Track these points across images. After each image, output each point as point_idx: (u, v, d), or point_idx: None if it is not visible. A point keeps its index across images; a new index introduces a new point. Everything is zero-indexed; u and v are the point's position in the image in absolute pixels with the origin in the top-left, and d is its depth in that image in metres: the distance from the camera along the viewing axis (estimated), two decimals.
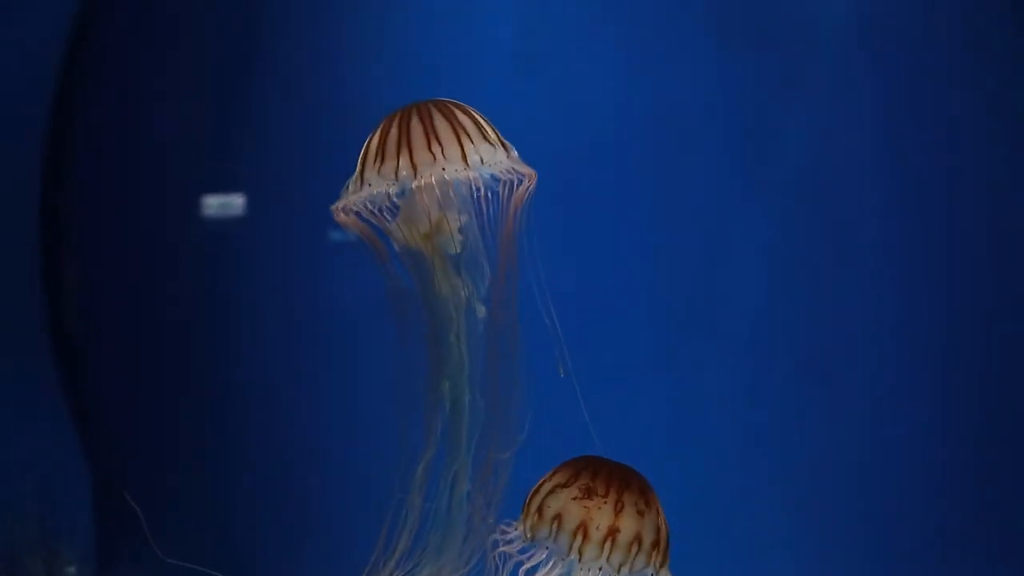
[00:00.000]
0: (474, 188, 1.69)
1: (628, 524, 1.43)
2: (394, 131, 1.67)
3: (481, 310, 1.75)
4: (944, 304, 2.58)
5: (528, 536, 1.47)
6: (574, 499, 1.45)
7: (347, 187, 1.71)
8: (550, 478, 1.50)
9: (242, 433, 2.74)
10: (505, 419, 1.73)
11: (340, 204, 1.70)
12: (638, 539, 1.43)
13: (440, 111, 1.68)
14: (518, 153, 1.72)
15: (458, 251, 1.73)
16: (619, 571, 1.44)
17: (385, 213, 1.70)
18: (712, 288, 2.62)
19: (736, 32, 2.58)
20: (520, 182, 1.73)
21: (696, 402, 2.61)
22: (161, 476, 2.75)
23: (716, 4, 2.59)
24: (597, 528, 1.43)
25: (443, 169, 1.63)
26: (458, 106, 1.71)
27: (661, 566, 1.48)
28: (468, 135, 1.67)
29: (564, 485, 1.47)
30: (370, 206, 1.70)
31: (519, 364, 1.72)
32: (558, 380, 1.74)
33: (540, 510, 1.47)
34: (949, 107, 2.56)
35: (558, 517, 1.46)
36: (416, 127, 1.66)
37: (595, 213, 2.62)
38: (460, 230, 1.72)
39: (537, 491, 1.50)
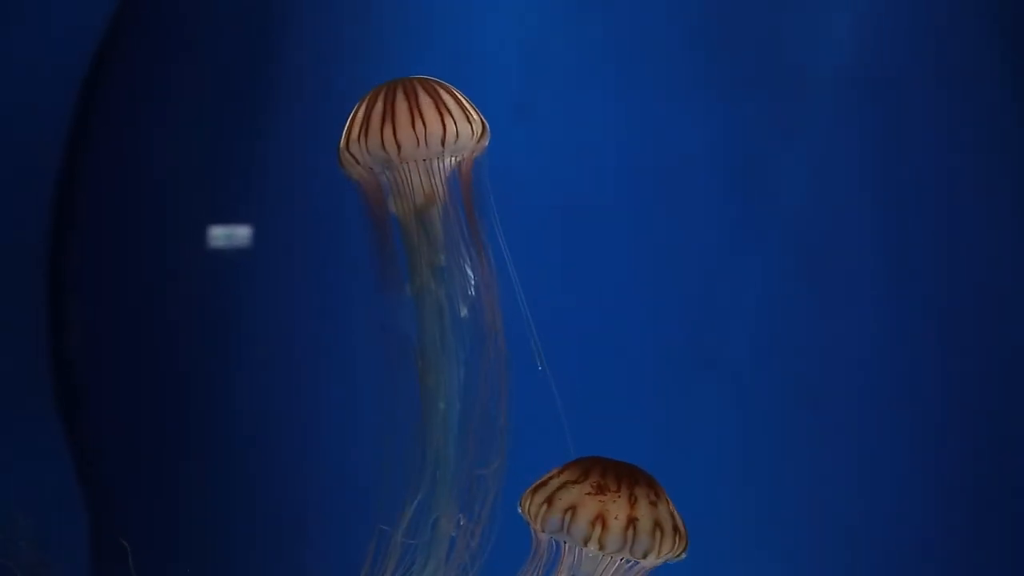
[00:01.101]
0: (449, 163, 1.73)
1: (645, 514, 1.43)
2: (379, 105, 1.70)
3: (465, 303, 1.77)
4: (941, 344, 2.60)
5: (536, 527, 1.46)
6: (587, 494, 1.44)
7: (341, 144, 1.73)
8: (557, 475, 1.49)
9: (242, 469, 2.74)
10: (487, 428, 1.74)
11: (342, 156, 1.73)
12: (659, 526, 1.43)
13: (425, 89, 1.70)
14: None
15: (435, 223, 1.75)
16: (645, 558, 1.43)
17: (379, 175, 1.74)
18: (710, 330, 2.65)
19: (733, 78, 2.63)
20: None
21: (692, 439, 2.64)
22: (158, 514, 2.76)
23: (713, 51, 2.64)
24: (616, 518, 1.42)
25: (424, 144, 1.66)
26: (442, 85, 1.74)
27: (684, 551, 1.47)
28: (449, 112, 1.69)
29: (575, 482, 1.46)
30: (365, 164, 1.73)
31: (503, 370, 1.76)
32: (544, 402, 1.76)
33: (550, 501, 1.45)
34: (945, 151, 2.60)
35: (572, 508, 1.44)
36: (401, 105, 1.68)
37: (594, 256, 2.65)
38: (439, 207, 1.74)
39: (543, 485, 1.48)
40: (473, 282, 1.81)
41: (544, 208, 2.59)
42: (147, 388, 2.80)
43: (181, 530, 2.78)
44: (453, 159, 1.75)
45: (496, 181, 1.91)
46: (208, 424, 2.77)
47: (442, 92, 1.71)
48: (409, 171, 1.72)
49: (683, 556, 1.47)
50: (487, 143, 1.76)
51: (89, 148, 2.79)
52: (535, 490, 1.48)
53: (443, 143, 1.68)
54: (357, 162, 1.74)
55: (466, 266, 1.80)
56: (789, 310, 2.63)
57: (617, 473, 1.47)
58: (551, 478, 1.49)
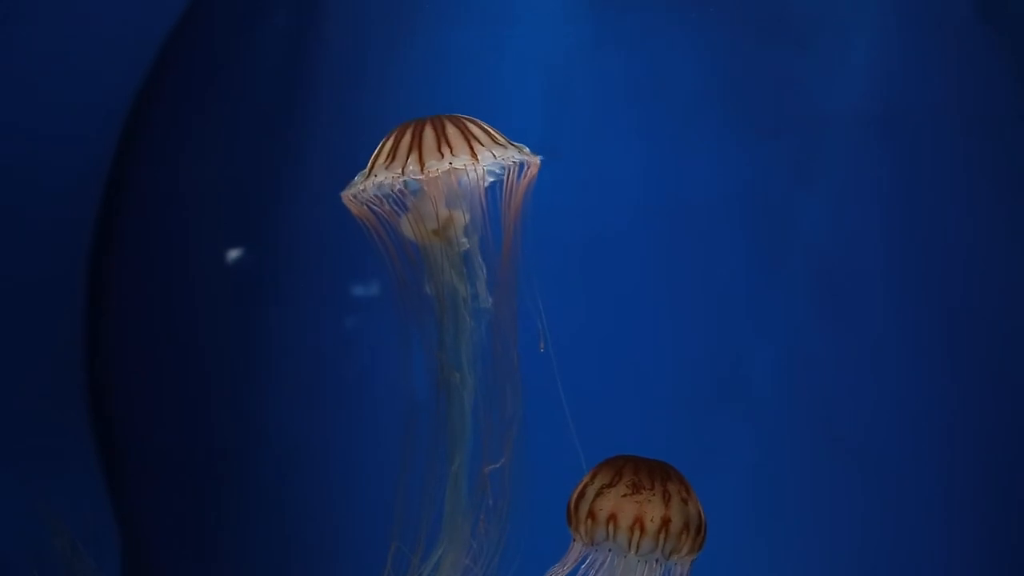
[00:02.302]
0: (480, 182, 1.75)
1: (677, 512, 1.49)
2: (407, 137, 1.73)
3: (486, 300, 1.79)
4: (964, 379, 2.60)
5: (587, 541, 1.51)
6: (624, 496, 1.50)
7: (357, 178, 1.75)
8: (591, 481, 1.54)
9: (270, 491, 2.75)
10: (501, 426, 1.77)
11: (350, 191, 1.74)
12: (687, 526, 1.50)
13: (452, 123, 1.75)
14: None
15: (464, 249, 1.78)
16: (670, 558, 1.49)
17: (395, 206, 1.76)
18: (731, 367, 2.66)
19: (753, 120, 2.66)
20: (524, 170, 1.79)
21: (712, 472, 2.54)
22: (189, 539, 2.77)
23: (734, 94, 2.67)
24: (652, 520, 1.48)
25: (450, 163, 1.68)
26: (471, 120, 1.78)
27: (699, 549, 1.53)
28: (478, 140, 1.74)
29: (610, 485, 1.52)
30: (379, 197, 1.75)
31: (518, 373, 1.81)
32: (564, 433, 1.79)
33: (592, 513, 1.51)
34: (964, 190, 2.61)
35: (613, 517, 1.50)
36: (428, 135, 1.72)
37: (616, 295, 2.67)
38: (467, 228, 1.77)
39: (582, 496, 1.53)
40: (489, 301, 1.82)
41: (568, 248, 2.61)
42: (177, 413, 2.81)
43: (207, 550, 2.78)
44: (491, 184, 1.77)
45: (524, 218, 1.96)
46: (236, 445, 2.78)
47: (470, 125, 1.76)
48: (434, 194, 1.75)
49: (694, 554, 1.53)
50: (534, 172, 1.79)
51: (126, 181, 2.84)
52: (577, 504, 1.53)
53: (475, 156, 1.71)
54: (379, 186, 1.75)
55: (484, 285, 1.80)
56: (811, 348, 2.63)
57: (649, 470, 1.53)
58: (586, 486, 1.54)
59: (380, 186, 1.73)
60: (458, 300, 1.83)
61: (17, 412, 2.65)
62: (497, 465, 1.83)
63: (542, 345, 1.88)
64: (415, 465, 1.88)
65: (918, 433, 2.61)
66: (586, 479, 1.56)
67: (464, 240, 1.81)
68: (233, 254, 2.75)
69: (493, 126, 1.85)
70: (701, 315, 2.67)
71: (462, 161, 1.70)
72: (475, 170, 1.74)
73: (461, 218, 1.81)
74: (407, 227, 1.79)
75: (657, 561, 1.50)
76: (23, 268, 2.68)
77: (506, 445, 1.83)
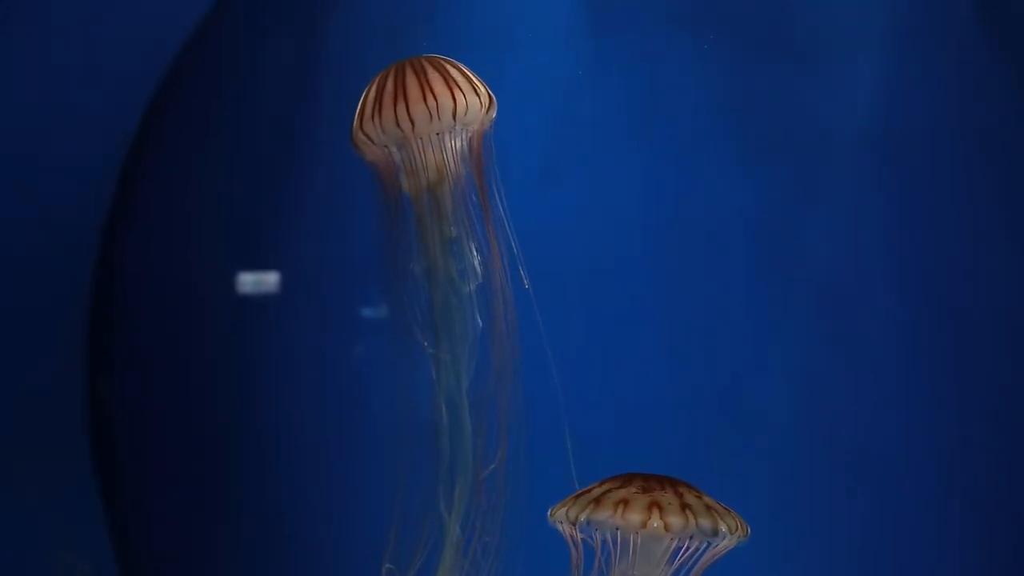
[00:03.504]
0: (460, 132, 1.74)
1: (694, 501, 1.42)
2: (390, 84, 1.73)
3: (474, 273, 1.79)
4: (976, 405, 2.56)
5: (582, 520, 1.41)
6: (635, 493, 1.43)
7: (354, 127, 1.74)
8: (598, 485, 1.48)
9: (270, 515, 2.74)
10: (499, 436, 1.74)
11: (355, 137, 1.73)
12: (711, 508, 1.42)
13: (432, 64, 1.75)
14: None
15: (454, 229, 1.78)
16: (715, 536, 1.40)
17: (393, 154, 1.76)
18: (734, 390, 2.63)
19: (756, 143, 2.64)
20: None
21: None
22: (187, 557, 2.75)
23: (736, 116, 2.66)
24: (669, 503, 1.40)
25: (437, 114, 1.69)
26: (447, 60, 1.79)
27: (746, 532, 1.44)
28: (458, 87, 1.74)
29: (620, 487, 1.45)
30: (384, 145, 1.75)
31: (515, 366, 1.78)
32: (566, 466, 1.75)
33: (598, 501, 1.42)
34: (970, 212, 2.58)
35: (624, 501, 1.41)
36: (412, 82, 1.72)
37: (620, 321, 2.65)
38: (452, 176, 1.77)
39: (585, 492, 1.46)
40: (480, 258, 1.81)
41: (570, 270, 2.60)
42: (179, 430, 2.81)
43: (207, 570, 2.76)
44: (464, 133, 1.77)
45: (523, 245, 1.95)
46: (237, 464, 2.77)
47: (449, 67, 1.76)
48: (422, 146, 1.75)
49: (745, 538, 1.44)
50: (494, 115, 1.80)
51: (130, 200, 2.85)
52: (576, 497, 1.46)
53: (454, 116, 1.71)
54: (372, 141, 1.76)
55: (474, 244, 1.78)
56: (816, 368, 2.60)
57: (659, 478, 1.47)
58: (591, 488, 1.48)
59: (371, 135, 1.73)
60: (447, 279, 1.82)
61: (15, 430, 2.64)
62: (493, 467, 1.80)
63: (526, 283, 1.85)
64: (415, 482, 1.85)
65: (925, 452, 2.57)
66: (589, 485, 1.51)
67: (453, 228, 1.79)
68: (237, 273, 2.74)
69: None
70: (705, 336, 2.64)
71: (447, 116, 1.70)
72: (458, 122, 1.75)
73: (446, 167, 1.80)
74: (404, 181, 1.79)
75: (690, 548, 1.41)
76: (26, 285, 2.67)
77: (505, 459, 1.80)
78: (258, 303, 2.75)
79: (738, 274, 2.65)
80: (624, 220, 2.67)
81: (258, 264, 2.74)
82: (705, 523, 1.40)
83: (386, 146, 1.77)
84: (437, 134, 1.75)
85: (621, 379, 2.65)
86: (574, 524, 1.44)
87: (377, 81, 1.78)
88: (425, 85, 1.73)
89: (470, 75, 1.80)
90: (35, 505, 2.58)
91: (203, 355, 2.79)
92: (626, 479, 1.48)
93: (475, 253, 1.84)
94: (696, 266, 2.66)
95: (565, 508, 1.45)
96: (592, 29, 2.71)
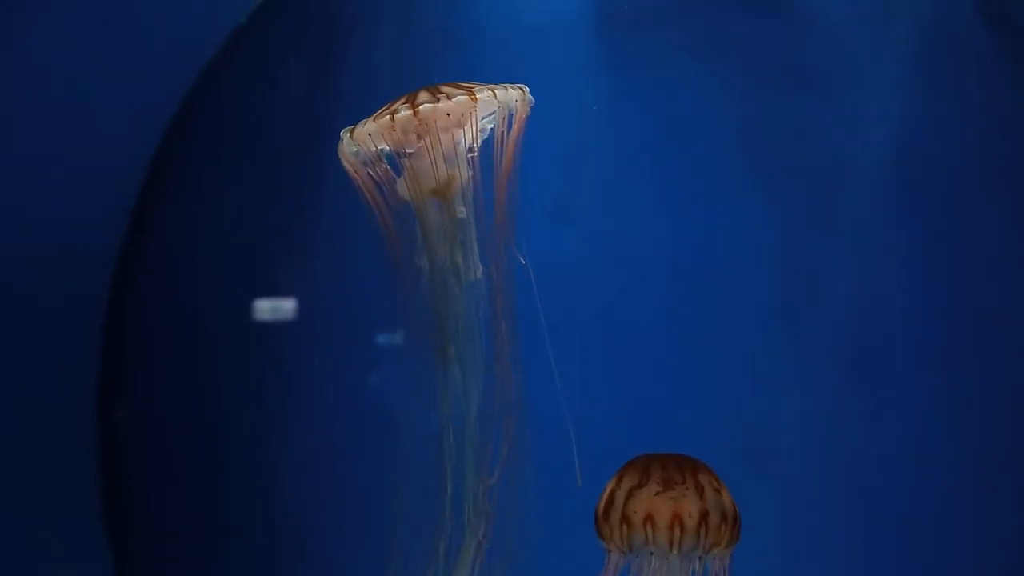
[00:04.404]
0: (475, 131, 1.70)
1: (713, 504, 1.43)
2: (401, 99, 1.72)
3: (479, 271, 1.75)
4: (993, 438, 2.52)
5: (625, 549, 1.44)
6: (656, 495, 1.43)
7: (344, 134, 1.70)
8: (618, 485, 1.48)
9: (291, 562, 2.72)
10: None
11: (345, 147, 1.70)
12: (724, 517, 1.43)
13: (447, 84, 1.74)
14: None
15: (462, 216, 1.75)
16: (709, 552, 1.43)
17: (391, 167, 1.73)
18: (754, 428, 2.59)
19: (773, 172, 2.63)
20: (514, 115, 1.76)
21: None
22: None
23: (751, 146, 2.64)
24: (690, 516, 1.41)
25: (445, 98, 1.65)
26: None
27: (737, 540, 1.47)
28: (472, 88, 1.72)
29: (640, 485, 1.45)
30: (375, 156, 1.71)
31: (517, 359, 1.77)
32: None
33: (627, 518, 1.43)
34: (990, 242, 2.56)
35: (649, 518, 1.43)
36: (423, 93, 1.70)
37: (635, 355, 2.63)
38: (463, 191, 1.74)
39: (611, 503, 1.46)
40: (483, 270, 1.78)
41: (586, 304, 2.59)
42: (192, 472, 2.80)
43: None
44: (489, 126, 1.75)
45: (537, 278, 1.93)
46: (252, 496, 2.75)
47: (465, 83, 1.75)
48: (431, 147, 1.71)
49: (733, 546, 1.46)
50: (526, 111, 1.77)
51: (145, 233, 2.86)
52: (607, 512, 1.46)
53: (469, 108, 1.68)
54: (372, 143, 1.70)
55: (477, 254, 1.76)
56: (836, 404, 2.57)
57: (677, 463, 1.47)
58: (614, 491, 1.47)
59: (371, 137, 1.67)
60: (452, 272, 1.79)
61: (24, 455, 2.62)
62: (494, 480, 1.77)
63: (523, 260, 1.83)
64: (425, 507, 1.82)
65: (949, 489, 2.53)
66: (611, 484, 1.49)
67: (462, 208, 1.75)
68: (251, 301, 2.74)
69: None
70: (720, 368, 2.62)
71: (457, 99, 1.66)
72: (471, 113, 1.70)
73: (459, 176, 1.77)
74: (404, 188, 1.73)
75: (700, 558, 1.43)
76: (39, 312, 2.67)
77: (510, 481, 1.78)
78: (272, 330, 2.75)
79: (755, 305, 2.62)
80: (639, 252, 2.66)
81: (273, 291, 2.74)
82: (711, 541, 1.44)
83: (381, 152, 1.73)
84: (453, 128, 1.73)
85: (635, 413, 2.61)
86: (622, 550, 1.46)
87: (388, 105, 1.78)
88: (437, 92, 1.72)
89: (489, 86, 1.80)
90: (42, 536, 2.56)
91: (217, 384, 2.78)
92: (644, 470, 1.48)
93: (479, 266, 1.82)
94: (712, 298, 2.64)
95: (604, 529, 1.47)
96: (607, 62, 2.71)
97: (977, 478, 2.51)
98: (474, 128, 1.75)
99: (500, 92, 1.72)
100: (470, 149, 1.79)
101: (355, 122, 1.95)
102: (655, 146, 2.68)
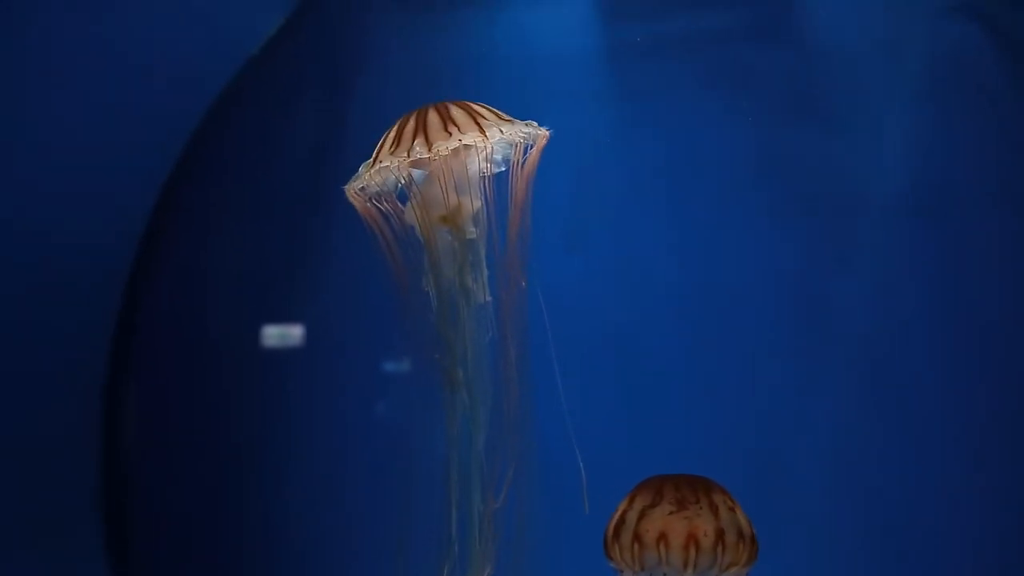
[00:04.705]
0: (489, 163, 1.67)
1: (729, 523, 1.40)
2: (411, 123, 1.68)
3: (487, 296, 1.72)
4: (1015, 472, 2.48)
5: (636, 569, 1.40)
6: (670, 514, 1.40)
7: (362, 169, 1.68)
8: (630, 505, 1.44)
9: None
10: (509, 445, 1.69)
11: (354, 184, 1.68)
12: (741, 536, 1.40)
13: (457, 105, 1.71)
14: None
15: (472, 237, 1.72)
16: (728, 571, 1.39)
17: (400, 200, 1.71)
18: (770, 462, 2.56)
19: (787, 204, 2.61)
20: (530, 147, 1.73)
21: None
22: None
23: (766, 177, 2.62)
24: (705, 535, 1.38)
25: (459, 141, 1.62)
26: (476, 103, 1.74)
27: (755, 560, 1.43)
28: (483, 118, 1.68)
29: (652, 505, 1.42)
30: (384, 192, 1.69)
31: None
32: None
33: (638, 537, 1.39)
34: (1008, 275, 2.54)
35: (663, 537, 1.39)
36: (433, 117, 1.66)
37: (646, 386, 2.60)
38: (475, 216, 1.71)
39: (622, 522, 1.43)
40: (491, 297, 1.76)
41: (597, 333, 2.57)
42: (199, 491, 2.79)
43: None
44: (500, 157, 1.73)
45: (549, 309, 1.91)
46: (258, 526, 2.73)
47: (475, 105, 1.72)
48: (443, 178, 1.70)
49: (751, 565, 1.42)
50: (542, 143, 1.75)
51: (155, 257, 2.87)
52: (618, 532, 1.42)
53: (483, 132, 1.65)
54: (385, 175, 1.68)
55: (487, 276, 1.74)
56: (854, 439, 2.53)
57: (690, 483, 1.44)
58: (625, 512, 1.44)
59: (386, 174, 1.67)
60: (461, 296, 1.77)
61: (31, 492, 2.61)
62: (500, 505, 1.75)
63: (524, 283, 1.81)
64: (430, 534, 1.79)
65: (967, 518, 2.49)
66: (623, 505, 1.46)
67: (472, 229, 1.74)
68: (258, 329, 2.73)
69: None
70: (735, 403, 2.58)
71: (470, 138, 1.64)
72: (484, 149, 1.68)
73: (470, 204, 1.75)
74: (412, 216, 1.71)
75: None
76: (45, 338, 2.66)
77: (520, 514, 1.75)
78: (279, 356, 2.74)
79: (769, 339, 2.60)
80: (652, 284, 2.64)
81: (280, 318, 2.74)
82: (727, 559, 1.40)
83: (401, 181, 1.71)
84: (457, 165, 1.71)
85: (645, 441, 2.59)
86: (634, 571, 1.42)
87: (398, 123, 1.76)
88: (447, 119, 1.69)
89: (498, 112, 1.77)
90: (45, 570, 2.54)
91: (223, 408, 2.77)
92: (657, 490, 1.45)
93: (488, 288, 1.81)
94: (723, 327, 2.61)
95: (615, 550, 1.43)
96: (620, 92, 2.71)
97: (997, 504, 2.47)
98: (484, 160, 1.73)
99: (508, 128, 1.70)
100: (480, 179, 1.77)
101: (366, 154, 1.95)
102: (667, 175, 2.67)
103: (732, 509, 1.43)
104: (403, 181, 1.72)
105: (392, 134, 1.75)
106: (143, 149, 2.81)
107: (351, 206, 2.65)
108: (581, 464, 1.88)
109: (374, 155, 1.77)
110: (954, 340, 2.53)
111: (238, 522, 2.76)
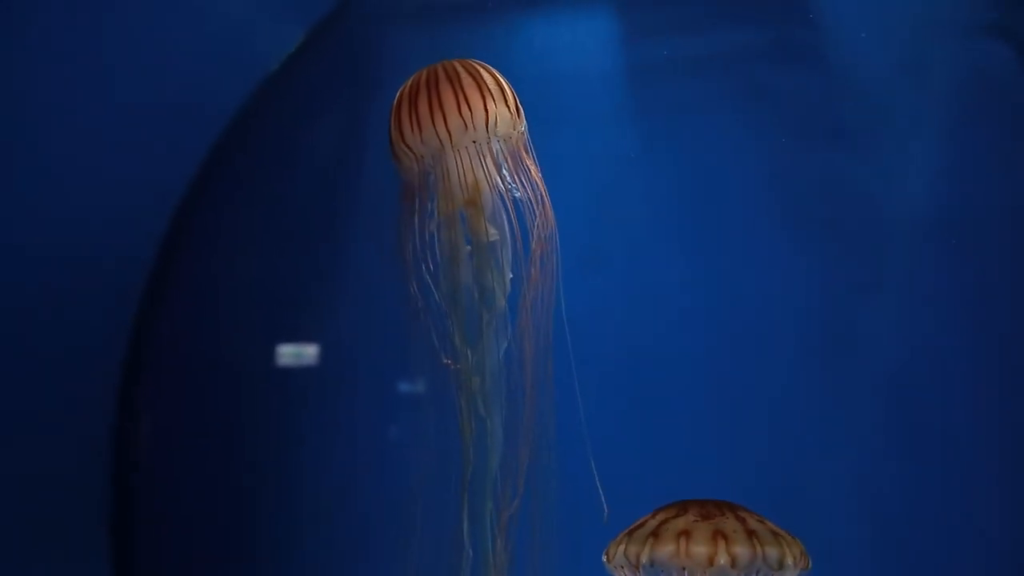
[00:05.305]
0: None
1: (758, 527, 1.29)
2: (424, 93, 1.73)
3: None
4: None
5: (644, 560, 1.27)
6: (695, 521, 1.31)
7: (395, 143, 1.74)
8: (651, 517, 1.36)
9: None
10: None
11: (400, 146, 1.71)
12: (777, 534, 1.29)
13: (466, 69, 1.74)
14: None
15: (495, 237, 1.76)
16: (780, 569, 1.26)
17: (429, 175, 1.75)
18: (791, 493, 2.50)
19: (808, 227, 2.57)
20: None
21: None
22: None
23: (787, 200, 2.59)
24: (734, 531, 1.27)
25: (474, 131, 1.69)
26: (480, 64, 1.79)
27: (808, 565, 1.32)
28: (492, 97, 1.72)
29: (676, 516, 1.34)
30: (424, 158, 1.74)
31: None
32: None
33: (656, 534, 1.29)
34: None
35: (685, 533, 1.28)
36: (446, 89, 1.70)
37: (663, 411, 2.56)
38: (493, 198, 1.75)
39: (639, 527, 1.33)
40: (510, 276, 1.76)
41: (614, 358, 2.54)
42: (210, 523, 2.76)
43: None
44: (500, 144, 1.77)
45: (567, 329, 1.88)
46: (269, 549, 2.71)
47: (483, 72, 1.76)
48: (460, 158, 1.74)
49: (807, 570, 1.33)
50: (523, 128, 1.81)
51: (169, 276, 2.87)
52: (630, 533, 1.33)
53: (487, 126, 1.71)
54: (412, 152, 1.75)
55: (508, 265, 1.76)
56: (879, 470, 2.47)
57: (716, 503, 1.36)
58: (645, 521, 1.36)
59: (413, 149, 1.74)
60: (479, 298, 1.76)
61: (39, 507, 2.59)
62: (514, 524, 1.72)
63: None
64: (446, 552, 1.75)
65: (998, 555, 2.42)
66: (643, 518, 1.38)
67: (494, 230, 1.77)
68: (273, 352, 2.72)
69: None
70: (754, 431, 2.53)
71: (481, 125, 1.71)
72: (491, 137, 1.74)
73: (487, 185, 1.76)
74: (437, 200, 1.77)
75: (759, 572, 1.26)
76: (59, 355, 2.66)
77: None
78: (294, 375, 2.72)
79: (791, 366, 2.55)
80: (671, 306, 2.61)
81: (295, 337, 2.73)
82: (772, 552, 1.27)
83: (423, 157, 1.76)
84: (474, 142, 1.75)
85: (664, 472, 2.53)
86: (636, 566, 1.31)
87: (409, 84, 1.79)
88: (459, 93, 1.73)
89: (501, 80, 1.80)
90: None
91: (237, 428, 2.76)
92: (681, 507, 1.37)
93: (508, 271, 1.80)
94: (746, 356, 2.57)
95: (622, 546, 1.32)
96: (640, 110, 2.68)
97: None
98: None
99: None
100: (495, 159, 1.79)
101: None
102: (687, 196, 2.64)
103: (761, 521, 1.35)
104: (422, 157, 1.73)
105: (406, 97, 1.78)
106: (159, 165, 2.81)
107: (368, 224, 2.64)
108: (599, 483, 1.84)
109: (394, 123, 1.79)
110: (982, 366, 2.47)
111: (249, 540, 2.74)
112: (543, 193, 1.85)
